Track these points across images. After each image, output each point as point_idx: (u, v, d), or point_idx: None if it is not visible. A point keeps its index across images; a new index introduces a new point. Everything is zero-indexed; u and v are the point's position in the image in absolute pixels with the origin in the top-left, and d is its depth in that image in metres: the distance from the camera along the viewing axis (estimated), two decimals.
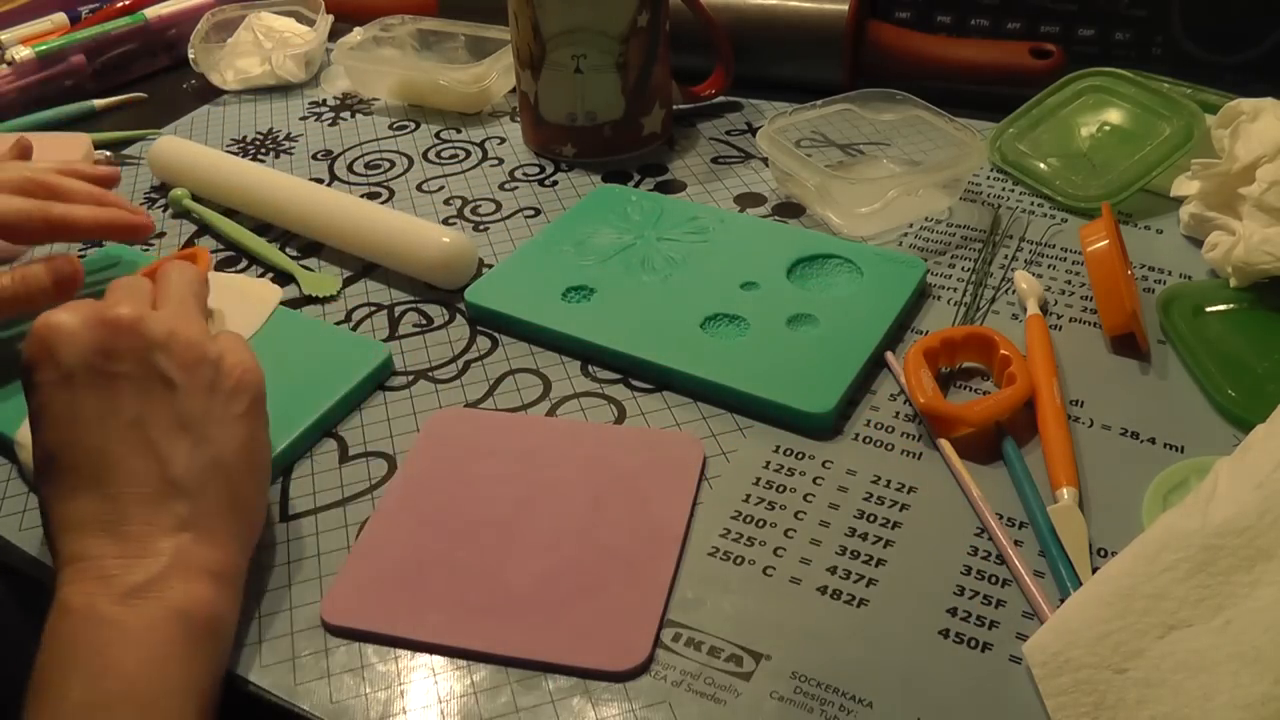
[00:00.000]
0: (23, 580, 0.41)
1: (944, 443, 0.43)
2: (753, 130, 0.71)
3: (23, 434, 0.45)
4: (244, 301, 0.53)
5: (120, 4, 0.89)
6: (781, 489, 0.43)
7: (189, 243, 0.63)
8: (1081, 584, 0.36)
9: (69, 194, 0.51)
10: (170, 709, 0.32)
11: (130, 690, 0.32)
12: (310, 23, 0.85)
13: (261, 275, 0.59)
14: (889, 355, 0.49)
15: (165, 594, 0.34)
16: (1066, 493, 0.40)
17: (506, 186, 0.66)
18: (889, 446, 0.44)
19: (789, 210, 0.62)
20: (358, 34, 0.79)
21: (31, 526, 0.43)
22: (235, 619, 0.36)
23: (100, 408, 0.36)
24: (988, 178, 0.63)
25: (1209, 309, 0.50)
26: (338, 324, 0.54)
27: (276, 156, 0.72)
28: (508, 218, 0.62)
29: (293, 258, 0.60)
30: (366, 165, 0.70)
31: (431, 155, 0.71)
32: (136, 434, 0.36)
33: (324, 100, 0.80)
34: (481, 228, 0.62)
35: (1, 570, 0.42)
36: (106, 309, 0.38)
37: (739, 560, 0.39)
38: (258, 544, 0.41)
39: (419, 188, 0.67)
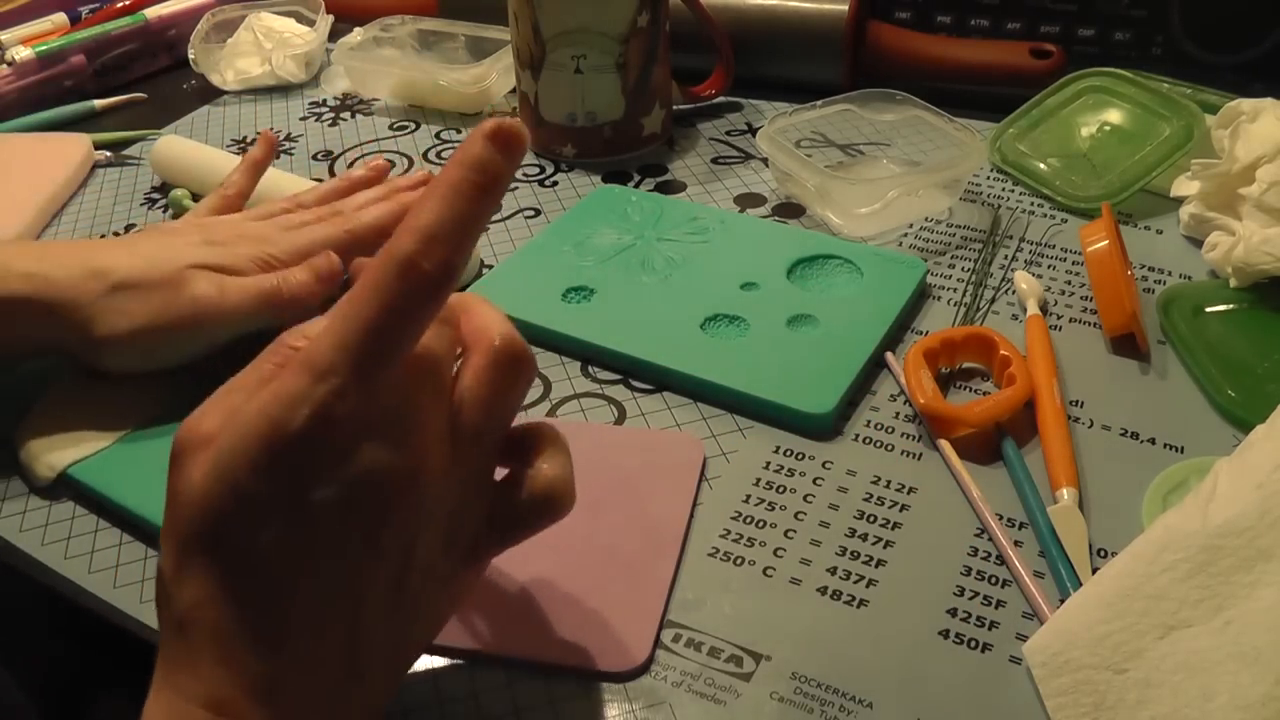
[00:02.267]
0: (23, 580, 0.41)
1: (944, 443, 0.43)
2: (753, 130, 0.71)
3: (21, 433, 0.45)
4: None
5: (120, 4, 0.89)
6: (781, 489, 0.43)
7: None
8: (1081, 584, 0.36)
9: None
10: None
11: None
12: (310, 23, 0.85)
13: None
14: (889, 355, 0.49)
15: None
16: (1066, 493, 0.40)
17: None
18: (889, 447, 0.44)
19: (789, 210, 0.62)
20: (358, 34, 0.79)
21: (33, 527, 0.43)
22: None
23: (342, 555, 0.27)
24: (988, 178, 0.63)
25: (1209, 309, 0.50)
26: None
27: (277, 156, 0.72)
28: (508, 218, 0.62)
29: None
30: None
31: (431, 155, 0.71)
32: (392, 597, 0.28)
33: (324, 100, 0.80)
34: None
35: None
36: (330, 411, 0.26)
37: (739, 560, 0.39)
38: None
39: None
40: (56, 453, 0.44)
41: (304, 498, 0.26)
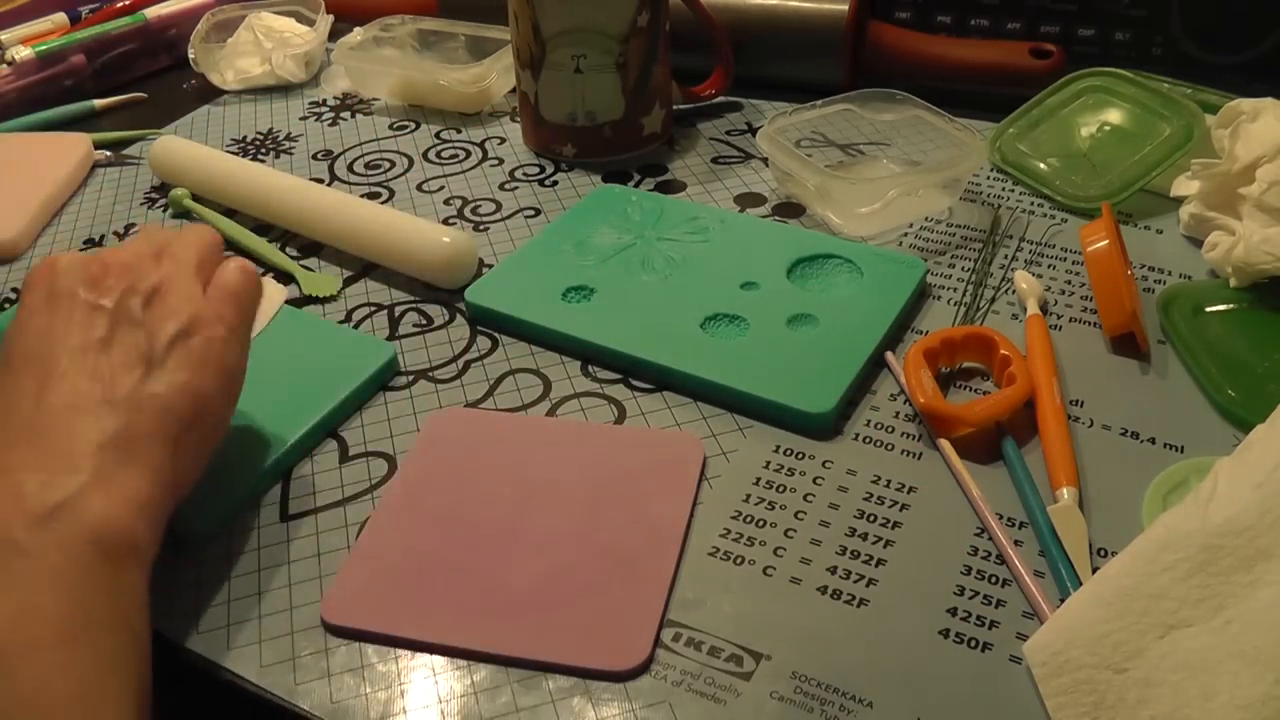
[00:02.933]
0: None
1: (944, 443, 0.43)
2: (753, 130, 0.71)
3: None
4: None
5: (120, 4, 0.89)
6: (781, 489, 0.43)
7: None
8: (1081, 584, 0.36)
9: None
10: (96, 643, 0.31)
11: (54, 632, 0.31)
12: (310, 23, 0.85)
13: (262, 275, 0.58)
14: (889, 355, 0.49)
15: (83, 515, 0.33)
16: (1066, 493, 0.40)
17: (506, 186, 0.66)
18: (889, 446, 0.44)
19: (789, 210, 0.62)
20: (358, 34, 0.79)
21: None
22: (153, 556, 0.35)
23: (67, 327, 0.37)
24: (988, 178, 0.63)
25: (1209, 309, 0.50)
26: (338, 324, 0.54)
27: (276, 156, 0.72)
28: (508, 218, 0.62)
29: (293, 258, 0.60)
30: (366, 165, 0.70)
31: (431, 155, 0.71)
32: (91, 359, 0.37)
33: (324, 100, 0.80)
34: (481, 228, 0.62)
35: None
36: (109, 252, 0.40)
37: (739, 560, 0.39)
38: (258, 544, 0.41)
39: (419, 188, 0.67)
40: None
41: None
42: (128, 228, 0.64)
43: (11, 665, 0.30)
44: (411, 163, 0.70)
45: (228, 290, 0.41)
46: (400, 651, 0.37)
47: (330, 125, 0.76)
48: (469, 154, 0.70)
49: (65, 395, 0.36)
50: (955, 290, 0.54)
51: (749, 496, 0.42)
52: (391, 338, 0.53)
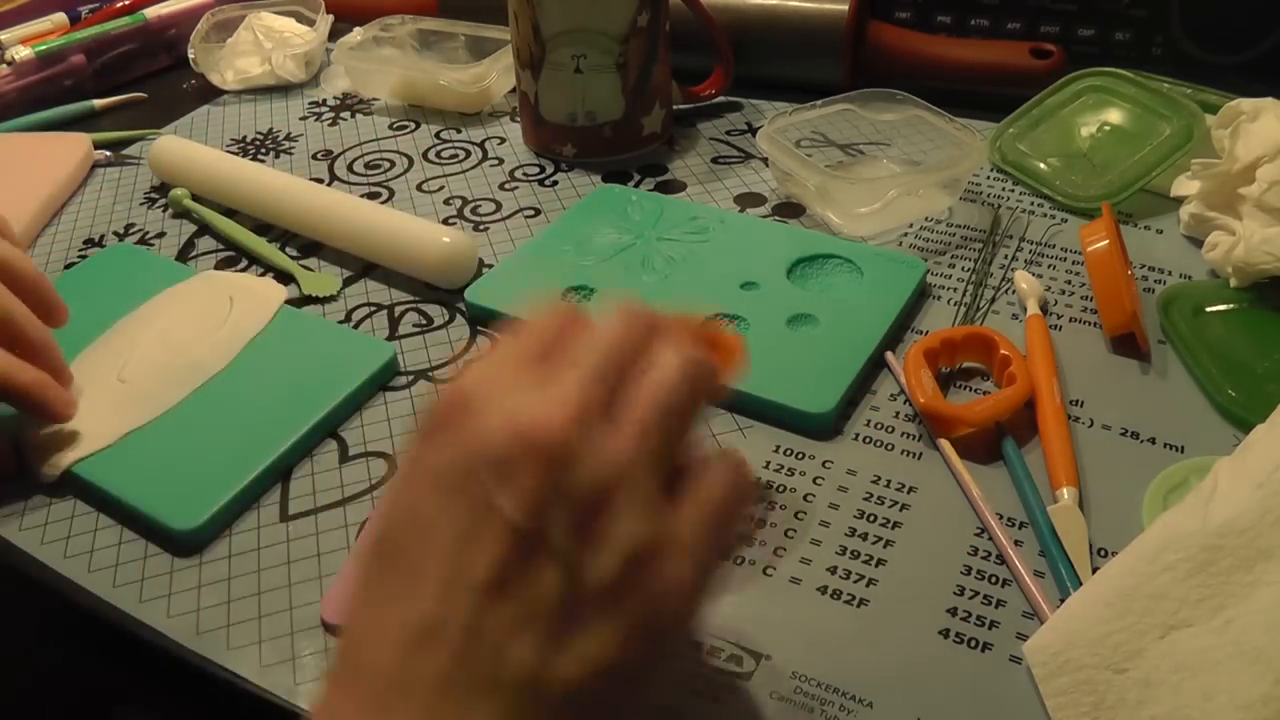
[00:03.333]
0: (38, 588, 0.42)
1: (944, 443, 0.43)
2: (753, 130, 0.71)
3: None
4: (248, 301, 0.53)
5: (120, 4, 0.89)
6: (781, 489, 0.43)
7: (187, 244, 0.62)
8: (1081, 584, 0.36)
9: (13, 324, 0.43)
10: None
11: None
12: (310, 23, 0.85)
13: (262, 275, 0.59)
14: (889, 355, 0.49)
15: None
16: (1066, 493, 0.40)
17: (506, 186, 0.66)
18: (889, 446, 0.44)
19: (789, 210, 0.62)
20: (358, 34, 0.79)
21: (55, 539, 0.43)
22: None
23: (466, 548, 0.25)
24: (988, 178, 0.63)
25: (1209, 309, 0.50)
26: (338, 324, 0.54)
27: (276, 156, 0.72)
28: (508, 218, 0.62)
29: (293, 258, 0.60)
30: (366, 165, 0.70)
31: (431, 155, 0.71)
32: (483, 598, 0.24)
33: (324, 100, 0.80)
34: (481, 228, 0.62)
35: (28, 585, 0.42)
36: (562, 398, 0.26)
37: (739, 560, 0.39)
38: (258, 544, 0.41)
39: (419, 188, 0.67)
40: (61, 452, 0.44)
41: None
42: (127, 227, 0.64)
43: None
44: (411, 163, 0.70)
45: (719, 504, 0.28)
46: None
47: (330, 125, 0.76)
48: (469, 154, 0.70)
49: (436, 661, 0.24)
50: (955, 290, 0.54)
51: None
52: (391, 338, 0.53)
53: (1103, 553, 0.39)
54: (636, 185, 0.65)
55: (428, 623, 0.24)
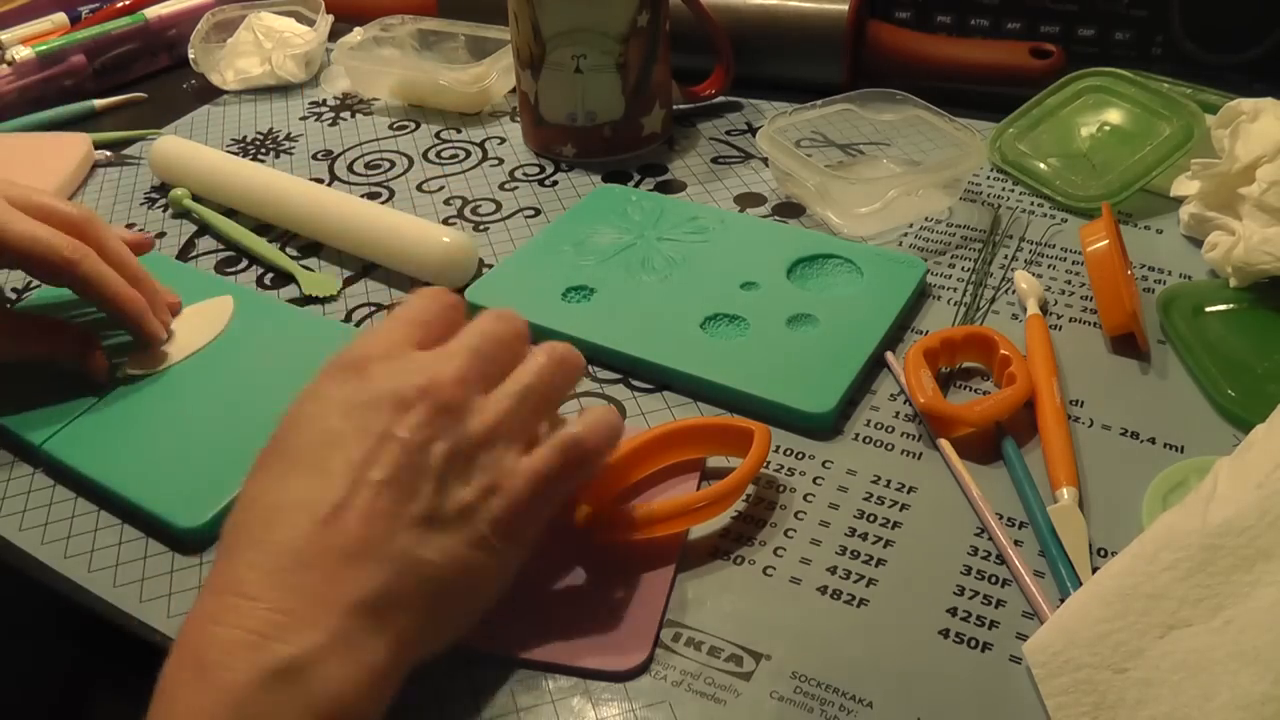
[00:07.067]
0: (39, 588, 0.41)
1: (944, 443, 0.43)
2: (753, 130, 0.71)
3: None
4: (197, 319, 0.53)
5: (120, 4, 0.89)
6: (781, 488, 0.43)
7: (188, 244, 0.62)
8: (1081, 584, 0.36)
9: (109, 251, 0.48)
10: None
11: None
12: (310, 23, 0.85)
13: (261, 275, 0.59)
14: (889, 355, 0.49)
15: (313, 683, 0.29)
16: (1066, 493, 0.40)
17: (506, 186, 0.66)
18: (889, 446, 0.44)
19: (789, 210, 0.62)
20: (358, 34, 0.79)
21: (55, 539, 0.43)
22: None
23: (362, 449, 0.32)
24: (988, 178, 0.63)
25: (1209, 309, 0.50)
26: (339, 324, 0.54)
27: (276, 156, 0.72)
28: (508, 218, 0.62)
29: (293, 258, 0.60)
30: (366, 165, 0.70)
31: (431, 155, 0.71)
32: (381, 493, 0.32)
33: (324, 100, 0.80)
34: (481, 228, 0.62)
35: (25, 582, 0.42)
36: (443, 358, 0.35)
37: (739, 560, 0.39)
38: None
39: (419, 188, 0.67)
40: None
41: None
42: (128, 228, 0.64)
43: None
44: (411, 163, 0.70)
45: (574, 446, 0.35)
46: None
47: (330, 125, 0.76)
48: (469, 154, 0.70)
49: (342, 536, 0.31)
50: (955, 290, 0.54)
51: (749, 496, 0.42)
52: None
53: (1102, 553, 0.39)
54: (636, 185, 0.65)
55: (337, 506, 0.31)
